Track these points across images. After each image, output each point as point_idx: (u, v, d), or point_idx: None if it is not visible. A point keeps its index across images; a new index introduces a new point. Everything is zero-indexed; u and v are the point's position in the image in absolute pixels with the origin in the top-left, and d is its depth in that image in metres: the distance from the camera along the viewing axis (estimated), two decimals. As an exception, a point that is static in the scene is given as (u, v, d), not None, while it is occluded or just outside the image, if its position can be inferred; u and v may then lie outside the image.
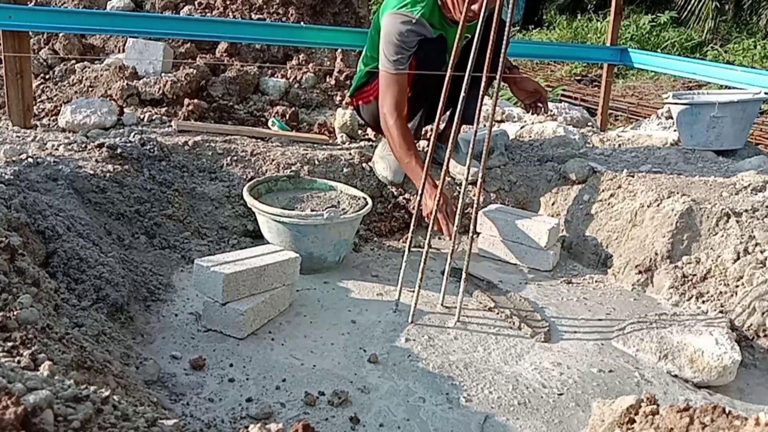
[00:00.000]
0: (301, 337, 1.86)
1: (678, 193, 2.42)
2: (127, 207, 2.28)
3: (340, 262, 2.36)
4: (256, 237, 2.46)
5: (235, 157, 2.68)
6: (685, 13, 10.14)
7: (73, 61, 3.63)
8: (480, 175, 2.13)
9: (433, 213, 2.14)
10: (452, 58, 2.10)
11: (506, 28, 1.99)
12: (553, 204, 2.77)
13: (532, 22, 12.24)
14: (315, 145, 2.98)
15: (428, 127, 3.09)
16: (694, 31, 9.89)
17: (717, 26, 9.76)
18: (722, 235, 2.23)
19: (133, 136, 2.69)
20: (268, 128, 3.18)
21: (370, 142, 3.17)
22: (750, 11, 9.84)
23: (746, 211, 2.26)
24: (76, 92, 3.32)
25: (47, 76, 3.57)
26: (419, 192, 2.24)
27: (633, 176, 2.66)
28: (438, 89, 2.13)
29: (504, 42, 2.00)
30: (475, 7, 2.23)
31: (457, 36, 2.06)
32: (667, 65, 3.84)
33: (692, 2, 10.05)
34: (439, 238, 2.70)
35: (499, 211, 2.58)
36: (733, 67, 3.70)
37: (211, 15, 3.87)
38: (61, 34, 3.62)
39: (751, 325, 2.00)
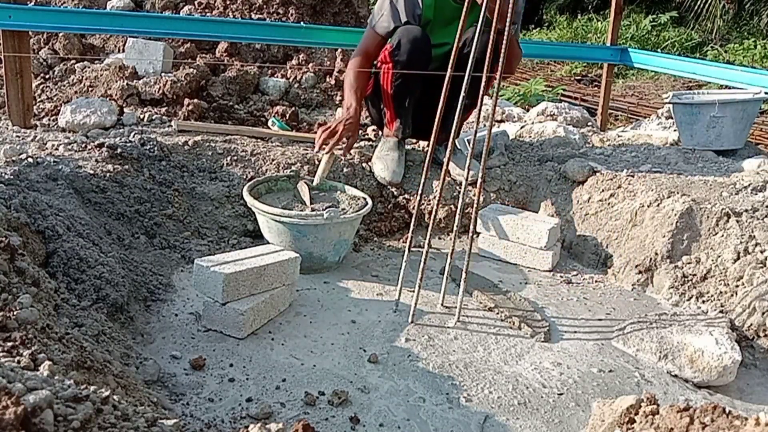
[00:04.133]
0: (301, 337, 1.86)
1: (678, 193, 2.42)
2: (127, 207, 2.28)
3: (340, 262, 2.36)
4: (256, 237, 2.46)
5: (235, 157, 2.68)
6: (691, 13, 10.13)
7: (73, 61, 3.63)
8: (480, 175, 2.13)
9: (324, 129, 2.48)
10: (453, 56, 2.09)
11: (506, 27, 1.99)
12: (553, 204, 2.77)
13: (532, 22, 12.24)
14: (315, 145, 2.98)
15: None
16: (695, 32, 9.89)
17: (719, 26, 9.75)
18: (722, 235, 2.23)
19: (133, 136, 2.69)
20: (268, 128, 3.18)
21: (370, 142, 3.17)
22: (751, 11, 9.83)
23: (746, 211, 2.26)
24: (76, 92, 3.32)
25: (47, 76, 3.57)
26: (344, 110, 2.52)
27: (633, 176, 2.66)
28: (425, 85, 2.19)
29: (505, 42, 2.00)
30: None
31: (462, 17, 2.06)
32: (667, 65, 3.84)
33: (698, 1, 10.02)
34: (439, 238, 2.71)
35: (499, 211, 2.58)
36: (733, 67, 3.70)
37: (211, 15, 3.87)
38: (61, 34, 3.62)
39: (751, 325, 2.00)
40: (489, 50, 2.03)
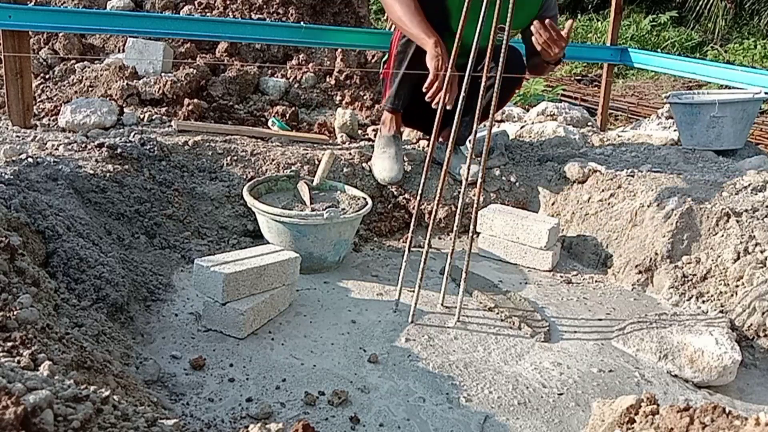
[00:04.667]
0: (301, 337, 1.86)
1: (678, 193, 2.42)
2: (127, 207, 2.28)
3: (340, 262, 2.36)
4: (256, 237, 2.46)
5: (235, 157, 2.68)
6: (693, 13, 10.12)
7: (73, 61, 3.63)
8: (480, 175, 2.12)
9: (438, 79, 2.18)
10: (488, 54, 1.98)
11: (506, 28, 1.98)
12: (553, 204, 2.77)
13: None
14: (315, 145, 2.98)
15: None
16: (695, 32, 9.89)
17: (719, 26, 9.75)
18: (722, 235, 2.23)
19: (133, 136, 2.69)
20: (268, 128, 3.18)
21: (370, 142, 3.17)
22: (751, 11, 9.83)
23: (746, 211, 2.26)
24: (76, 92, 3.32)
25: (47, 76, 3.57)
26: (429, 53, 2.21)
27: (633, 176, 2.66)
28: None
29: (505, 39, 1.99)
30: None
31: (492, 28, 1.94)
32: (667, 65, 3.83)
33: (699, 1, 10.02)
34: (439, 238, 2.71)
35: (499, 211, 2.58)
36: (733, 67, 3.70)
37: (211, 15, 3.87)
38: (61, 34, 3.62)
39: (751, 325, 2.00)
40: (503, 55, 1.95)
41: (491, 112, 2.17)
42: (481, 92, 2.00)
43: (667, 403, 1.06)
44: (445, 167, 2.10)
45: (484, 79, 1.99)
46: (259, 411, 1.49)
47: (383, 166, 2.70)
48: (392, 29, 2.74)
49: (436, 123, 2.19)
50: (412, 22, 2.34)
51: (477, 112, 1.99)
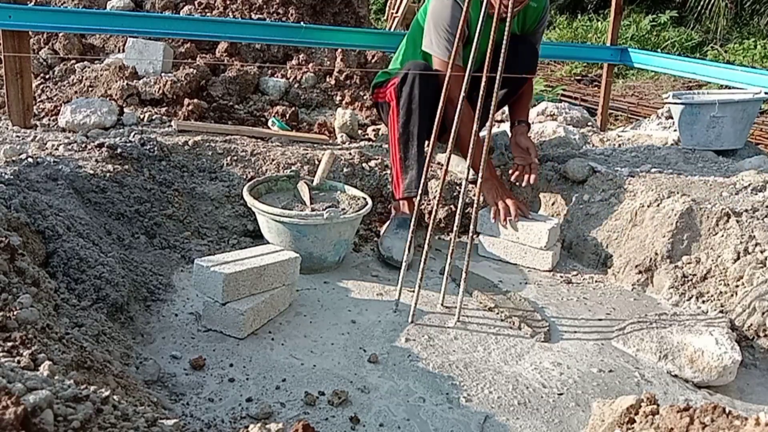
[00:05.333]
0: (301, 337, 1.86)
1: (678, 193, 2.42)
2: (127, 207, 2.28)
3: (340, 262, 2.36)
4: (256, 237, 2.46)
5: (235, 157, 2.68)
6: (694, 12, 10.11)
7: (73, 61, 3.63)
8: (480, 175, 2.13)
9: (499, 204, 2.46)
10: (487, 55, 2.00)
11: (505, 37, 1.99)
12: (553, 204, 2.77)
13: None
14: (315, 145, 2.98)
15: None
16: (695, 32, 9.89)
17: (719, 25, 9.75)
18: (722, 235, 2.23)
19: (133, 136, 2.69)
20: (268, 128, 3.18)
21: (370, 142, 3.18)
22: (751, 11, 9.83)
23: (746, 211, 2.26)
24: (76, 92, 3.32)
25: (47, 76, 3.57)
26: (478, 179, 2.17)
27: (633, 176, 2.66)
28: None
29: (504, 43, 1.99)
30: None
31: (492, 29, 1.98)
32: (667, 65, 3.83)
33: (700, 1, 10.02)
34: (439, 238, 2.71)
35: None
36: (733, 67, 3.70)
37: (211, 15, 3.87)
38: (61, 34, 3.62)
39: (751, 325, 2.00)
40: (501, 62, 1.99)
41: (491, 112, 2.17)
42: (484, 94, 2.00)
43: (667, 403, 1.06)
44: (445, 167, 2.10)
45: (498, 78, 2.00)
46: (259, 411, 1.49)
47: (392, 244, 2.41)
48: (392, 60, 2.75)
49: (435, 124, 2.19)
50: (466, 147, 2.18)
51: (477, 112, 1.99)
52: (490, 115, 2.17)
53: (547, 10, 2.69)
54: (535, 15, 2.64)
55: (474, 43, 1.99)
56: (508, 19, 2.01)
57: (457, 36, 2.09)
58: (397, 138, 2.49)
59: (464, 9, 2.05)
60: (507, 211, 2.47)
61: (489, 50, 1.98)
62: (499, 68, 1.99)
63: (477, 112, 2.00)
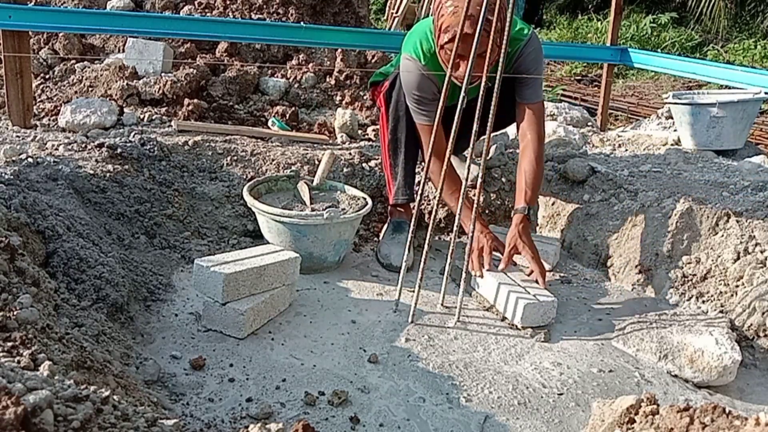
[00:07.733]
0: (301, 337, 1.86)
1: (678, 193, 2.42)
2: (127, 207, 2.28)
3: (340, 262, 2.36)
4: (256, 237, 2.46)
5: (235, 157, 2.68)
6: (693, 13, 10.11)
7: (73, 61, 3.63)
8: (480, 175, 2.12)
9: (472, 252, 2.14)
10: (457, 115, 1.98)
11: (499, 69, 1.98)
12: (553, 204, 2.77)
13: (532, 22, 12.25)
14: (315, 145, 2.98)
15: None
16: (695, 32, 9.89)
17: (719, 26, 9.74)
18: (722, 235, 2.23)
19: (133, 136, 2.69)
20: (268, 128, 3.18)
21: (370, 142, 3.18)
22: (751, 12, 9.83)
23: (746, 211, 2.26)
24: (76, 92, 3.32)
25: (47, 76, 3.57)
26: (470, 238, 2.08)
27: (633, 176, 2.66)
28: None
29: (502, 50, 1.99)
30: (458, 73, 2.05)
31: (460, 97, 1.96)
32: (667, 65, 3.83)
33: (700, 2, 10.01)
34: (439, 238, 2.71)
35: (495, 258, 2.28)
36: (733, 67, 3.70)
37: (211, 15, 3.87)
38: (61, 34, 3.62)
39: (751, 325, 2.00)
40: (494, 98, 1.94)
41: (488, 130, 2.12)
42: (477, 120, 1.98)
43: (667, 403, 1.06)
44: (445, 167, 2.10)
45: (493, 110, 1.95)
46: (259, 411, 1.49)
47: (389, 251, 2.39)
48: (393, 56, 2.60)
49: (433, 132, 2.18)
50: (448, 196, 2.25)
51: (475, 124, 1.99)
52: (491, 116, 2.14)
53: (526, 54, 2.26)
54: (507, 61, 2.14)
55: (446, 102, 1.97)
56: (465, 86, 1.96)
57: (431, 96, 2.10)
58: (387, 144, 2.45)
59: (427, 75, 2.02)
60: (480, 258, 2.21)
61: (480, 95, 1.95)
62: (500, 68, 1.98)
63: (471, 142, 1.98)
